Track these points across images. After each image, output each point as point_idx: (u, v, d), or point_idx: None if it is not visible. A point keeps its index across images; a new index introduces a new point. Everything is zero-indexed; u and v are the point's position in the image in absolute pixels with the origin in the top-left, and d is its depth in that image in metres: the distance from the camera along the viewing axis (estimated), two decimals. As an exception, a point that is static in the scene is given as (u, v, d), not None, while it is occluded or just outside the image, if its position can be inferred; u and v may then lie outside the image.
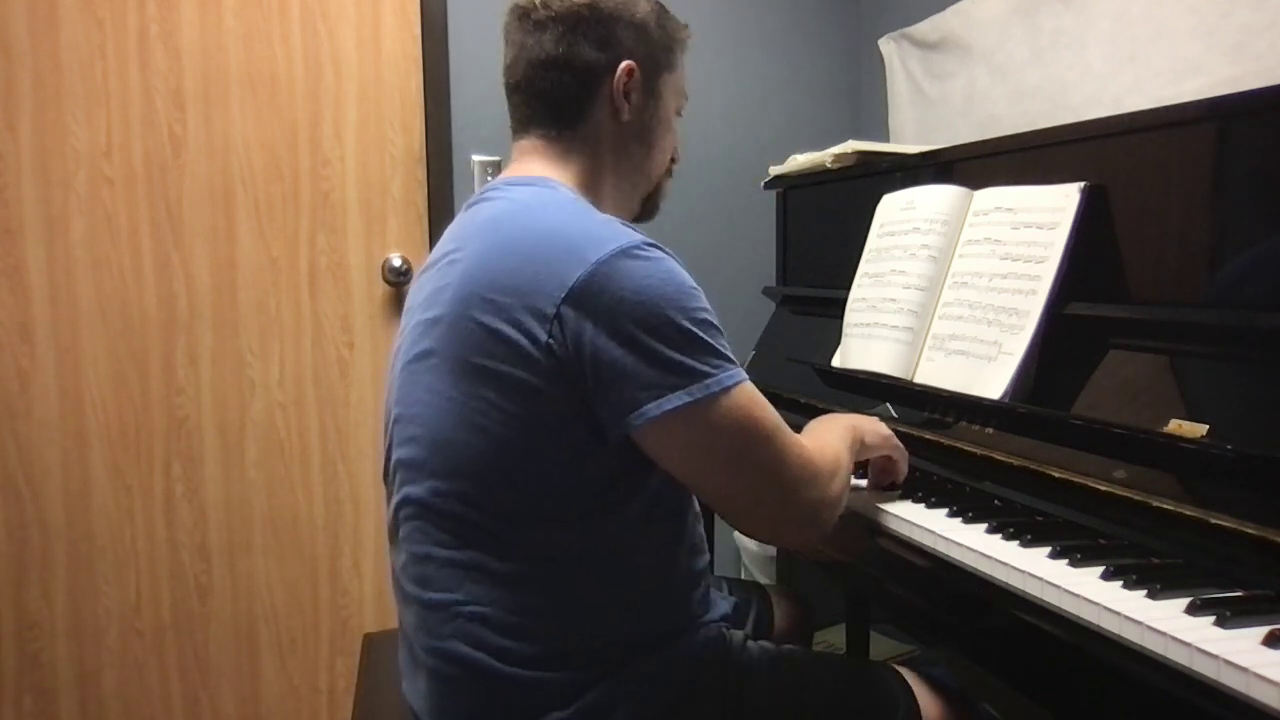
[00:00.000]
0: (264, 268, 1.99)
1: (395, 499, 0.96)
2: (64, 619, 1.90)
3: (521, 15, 1.02)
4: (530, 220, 0.91)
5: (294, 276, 2.01)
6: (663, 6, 1.07)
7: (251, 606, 2.03)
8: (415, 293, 1.01)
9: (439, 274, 0.94)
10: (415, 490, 0.92)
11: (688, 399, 0.83)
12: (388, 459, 1.00)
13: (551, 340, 0.83)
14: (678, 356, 0.84)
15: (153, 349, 1.93)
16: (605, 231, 0.88)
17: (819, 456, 0.94)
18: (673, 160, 1.13)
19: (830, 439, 1.00)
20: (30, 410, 1.85)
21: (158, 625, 1.96)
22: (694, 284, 0.88)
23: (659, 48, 1.05)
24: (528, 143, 1.04)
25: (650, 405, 0.83)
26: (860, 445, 1.08)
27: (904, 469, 1.17)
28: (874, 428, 1.13)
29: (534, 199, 0.96)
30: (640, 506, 0.92)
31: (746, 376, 0.89)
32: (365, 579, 2.11)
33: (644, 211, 1.15)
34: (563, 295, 0.83)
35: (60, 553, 1.89)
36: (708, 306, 0.88)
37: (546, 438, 0.86)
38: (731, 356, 0.88)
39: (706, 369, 0.85)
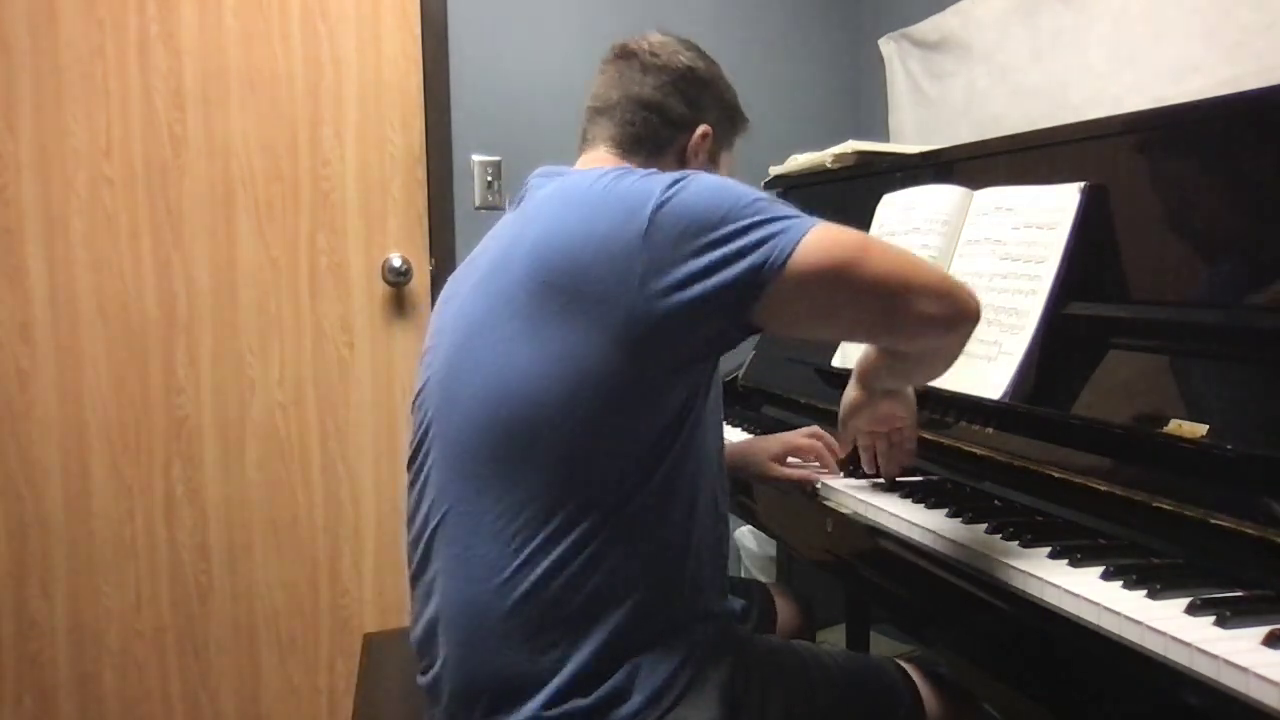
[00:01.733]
0: (264, 268, 1.99)
1: (434, 466, 0.99)
2: (64, 619, 1.90)
3: (627, 55, 1.11)
4: (593, 181, 0.95)
5: (294, 276, 2.01)
6: (736, 94, 1.19)
7: (251, 606, 2.03)
8: (466, 273, 1.05)
9: (492, 262, 0.98)
10: (458, 457, 0.95)
11: (796, 235, 0.85)
12: (425, 425, 1.02)
13: (641, 273, 0.86)
14: (774, 208, 0.88)
15: (153, 349, 1.93)
16: (660, 174, 0.92)
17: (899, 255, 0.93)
18: None
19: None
20: (30, 410, 1.85)
21: (158, 625, 1.96)
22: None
23: (729, 126, 1.17)
24: (593, 154, 1.10)
25: (775, 253, 0.85)
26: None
27: (913, 440, 1.16)
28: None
29: (582, 172, 1.01)
30: (675, 485, 0.95)
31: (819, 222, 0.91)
32: (365, 579, 2.11)
33: None
34: (644, 225, 0.86)
35: (60, 553, 1.89)
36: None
37: (614, 396, 0.89)
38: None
39: (794, 215, 0.88)
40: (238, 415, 1.99)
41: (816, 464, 1.31)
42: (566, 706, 0.90)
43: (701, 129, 1.11)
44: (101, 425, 1.90)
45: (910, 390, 1.12)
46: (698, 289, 0.85)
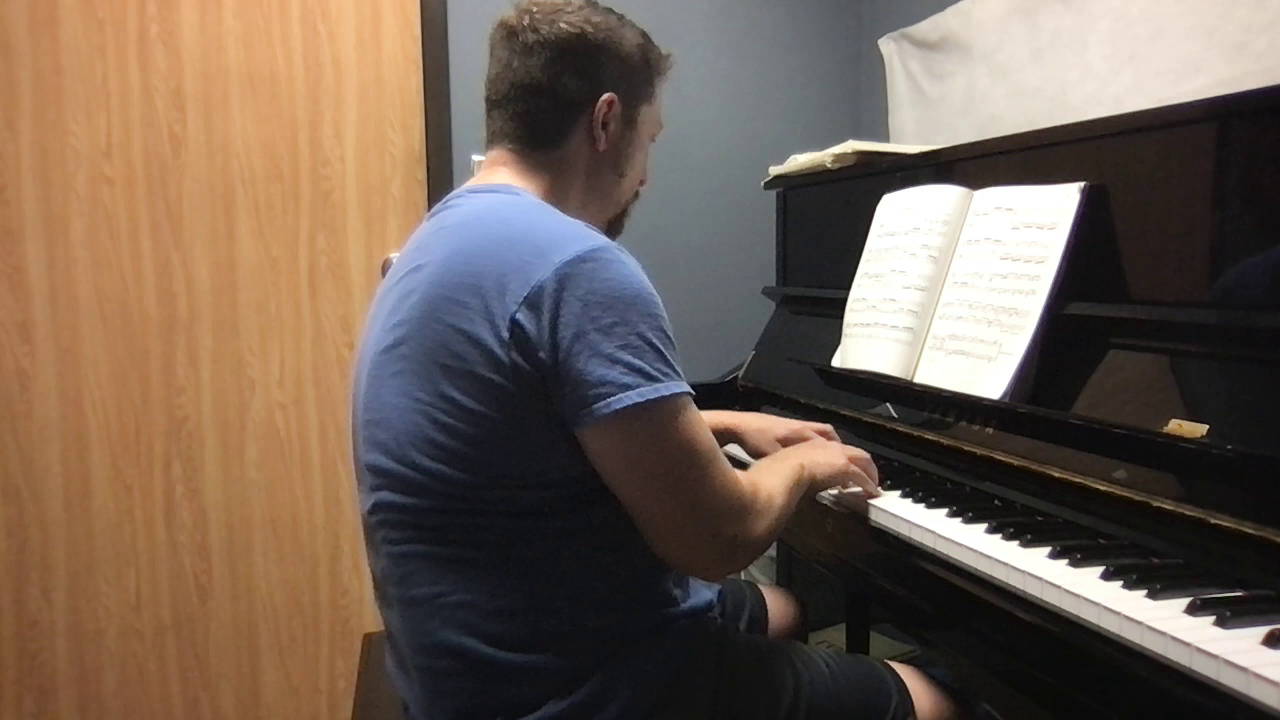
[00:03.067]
0: (264, 268, 1.99)
1: (369, 503, 0.96)
2: (64, 619, 1.90)
3: (509, 34, 1.04)
4: (495, 223, 0.92)
5: (294, 276, 2.01)
6: (648, 38, 1.08)
7: (251, 606, 2.03)
8: (380, 301, 1.01)
9: (404, 282, 0.94)
10: (387, 495, 0.92)
11: (636, 399, 0.83)
12: (356, 463, 1.00)
13: (513, 340, 0.84)
14: (633, 360, 0.84)
15: (153, 349, 1.93)
16: (570, 233, 0.88)
17: (750, 492, 0.93)
18: (640, 183, 1.15)
19: (769, 479, 0.99)
20: (30, 410, 1.85)
21: (158, 625, 1.96)
22: (654, 292, 0.89)
23: (641, 79, 1.06)
24: (498, 153, 1.05)
25: (599, 405, 0.83)
26: (810, 483, 1.08)
27: (872, 488, 1.16)
28: (827, 460, 1.12)
29: (498, 203, 0.97)
30: (609, 496, 0.92)
31: (692, 394, 0.90)
32: (365, 579, 2.11)
33: (608, 233, 1.14)
34: (525, 294, 0.84)
35: (60, 553, 1.89)
36: (665, 317, 0.89)
37: (516, 436, 0.86)
38: (680, 372, 0.89)
39: (657, 375, 0.85)
40: (238, 415, 1.99)
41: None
42: (539, 714, 0.88)
43: (605, 98, 1.02)
44: (101, 425, 1.90)
45: (815, 458, 1.11)
46: (568, 366, 0.83)
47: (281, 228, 2.00)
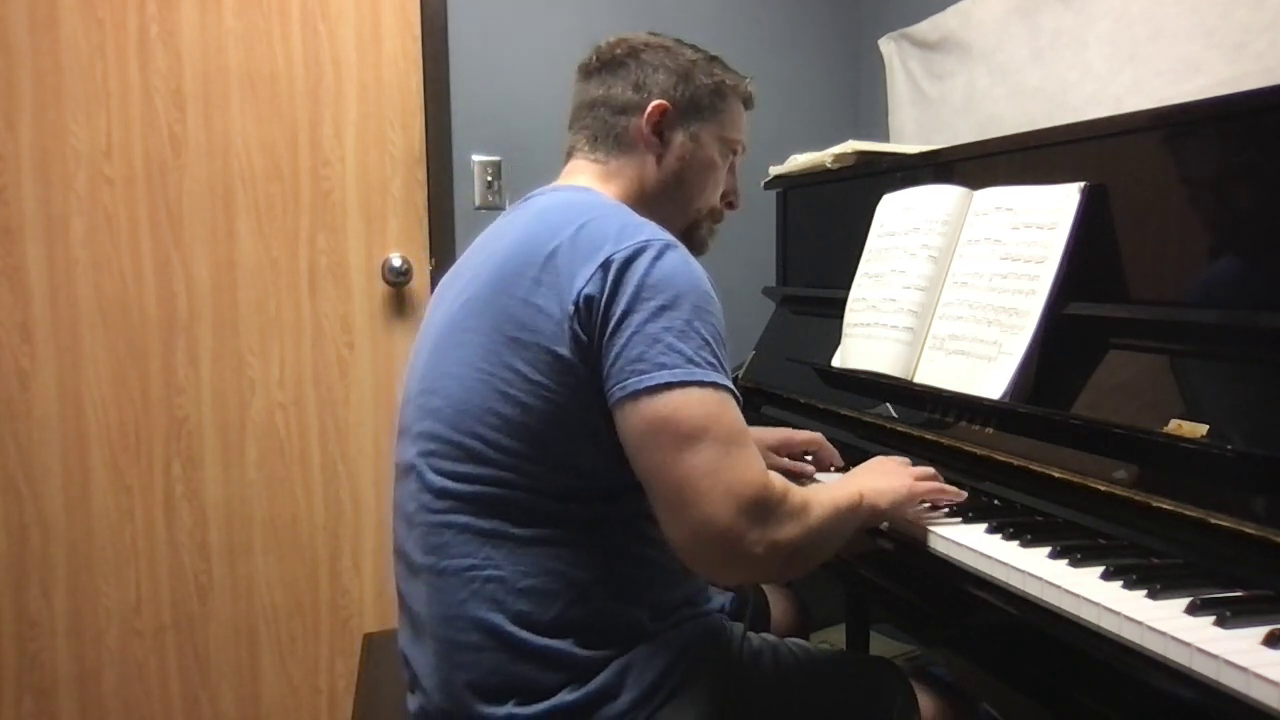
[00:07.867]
0: (264, 268, 1.99)
1: (412, 472, 0.98)
2: (64, 619, 1.90)
3: (581, 70, 1.13)
4: (571, 210, 0.97)
5: (294, 276, 2.01)
6: (713, 58, 1.13)
7: (251, 606, 2.03)
8: (449, 283, 1.06)
9: (478, 264, 0.99)
10: (435, 461, 0.95)
11: (668, 379, 0.85)
12: (403, 434, 1.03)
13: (577, 313, 0.88)
14: (674, 341, 0.87)
15: (153, 349, 1.93)
16: (642, 226, 0.94)
17: (778, 490, 0.87)
18: (730, 205, 1.18)
19: (814, 491, 0.94)
20: (30, 410, 1.85)
21: (158, 625, 1.96)
22: (712, 294, 0.92)
23: (701, 93, 1.10)
24: (572, 163, 1.11)
25: (632, 380, 0.86)
26: (872, 513, 1.00)
27: (940, 509, 1.09)
28: (890, 486, 1.04)
29: (575, 197, 1.03)
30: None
31: (733, 391, 0.90)
32: (365, 579, 2.11)
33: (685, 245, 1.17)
34: (593, 271, 0.88)
35: (60, 553, 1.89)
36: (718, 317, 0.92)
37: (573, 412, 0.90)
38: (727, 370, 0.91)
39: (697, 361, 0.87)
40: (238, 415, 1.99)
41: (813, 461, 1.32)
42: (553, 702, 0.90)
43: (655, 105, 1.07)
44: (101, 425, 1.90)
45: (878, 486, 1.03)
46: (613, 342, 0.87)
47: (281, 228, 2.00)
